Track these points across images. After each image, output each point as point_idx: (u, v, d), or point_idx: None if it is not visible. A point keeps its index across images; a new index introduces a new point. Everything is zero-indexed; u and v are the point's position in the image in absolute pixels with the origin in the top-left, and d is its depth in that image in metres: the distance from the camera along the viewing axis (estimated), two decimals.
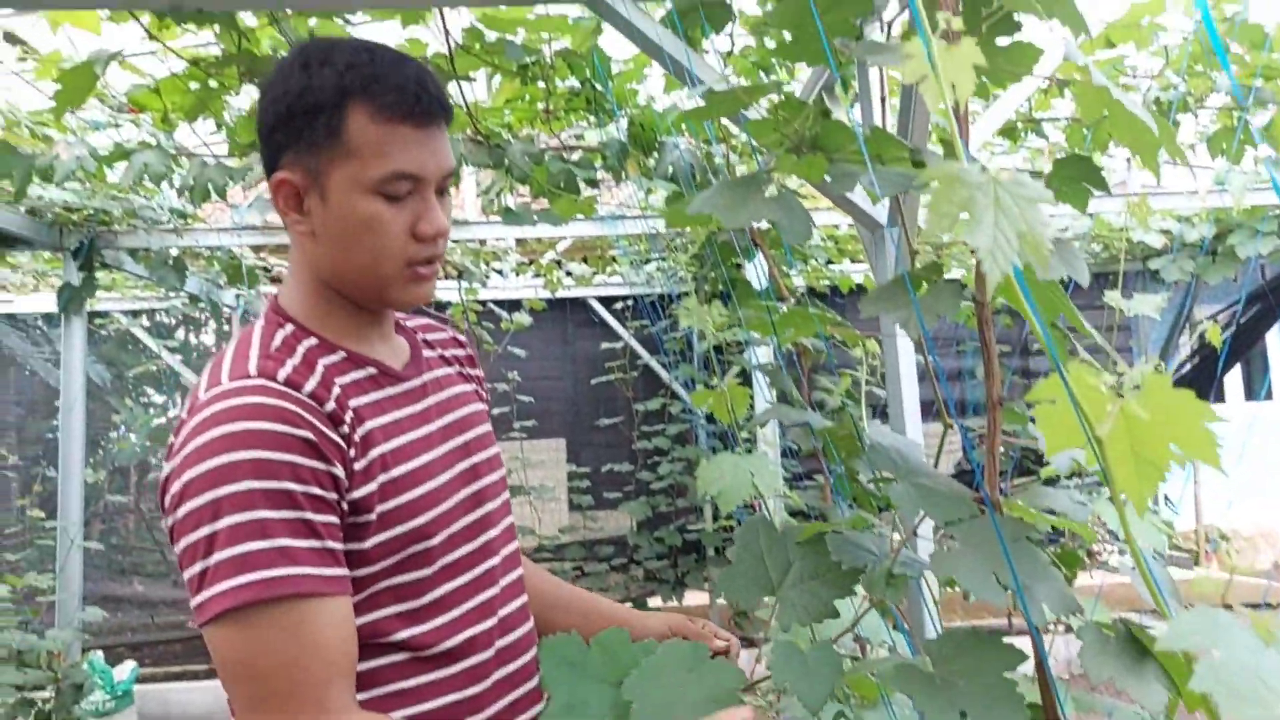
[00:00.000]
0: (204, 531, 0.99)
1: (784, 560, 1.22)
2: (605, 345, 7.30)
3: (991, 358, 1.10)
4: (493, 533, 1.29)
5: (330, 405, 1.08)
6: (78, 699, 4.02)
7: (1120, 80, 3.39)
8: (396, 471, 1.14)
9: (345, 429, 1.08)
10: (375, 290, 1.17)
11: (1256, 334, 5.73)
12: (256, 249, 5.12)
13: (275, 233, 4.55)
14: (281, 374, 1.07)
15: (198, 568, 1.00)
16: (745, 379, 6.31)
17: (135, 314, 6.84)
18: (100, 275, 4.55)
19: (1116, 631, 0.87)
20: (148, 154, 2.84)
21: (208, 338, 7.92)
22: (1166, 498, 6.75)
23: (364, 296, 1.18)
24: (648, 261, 6.12)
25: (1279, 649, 0.55)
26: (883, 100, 1.99)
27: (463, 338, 1.46)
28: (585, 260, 6.51)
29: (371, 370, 1.19)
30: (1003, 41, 1.31)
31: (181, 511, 1.01)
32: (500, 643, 1.24)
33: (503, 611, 1.26)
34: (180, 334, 7.72)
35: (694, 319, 2.27)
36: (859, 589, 1.20)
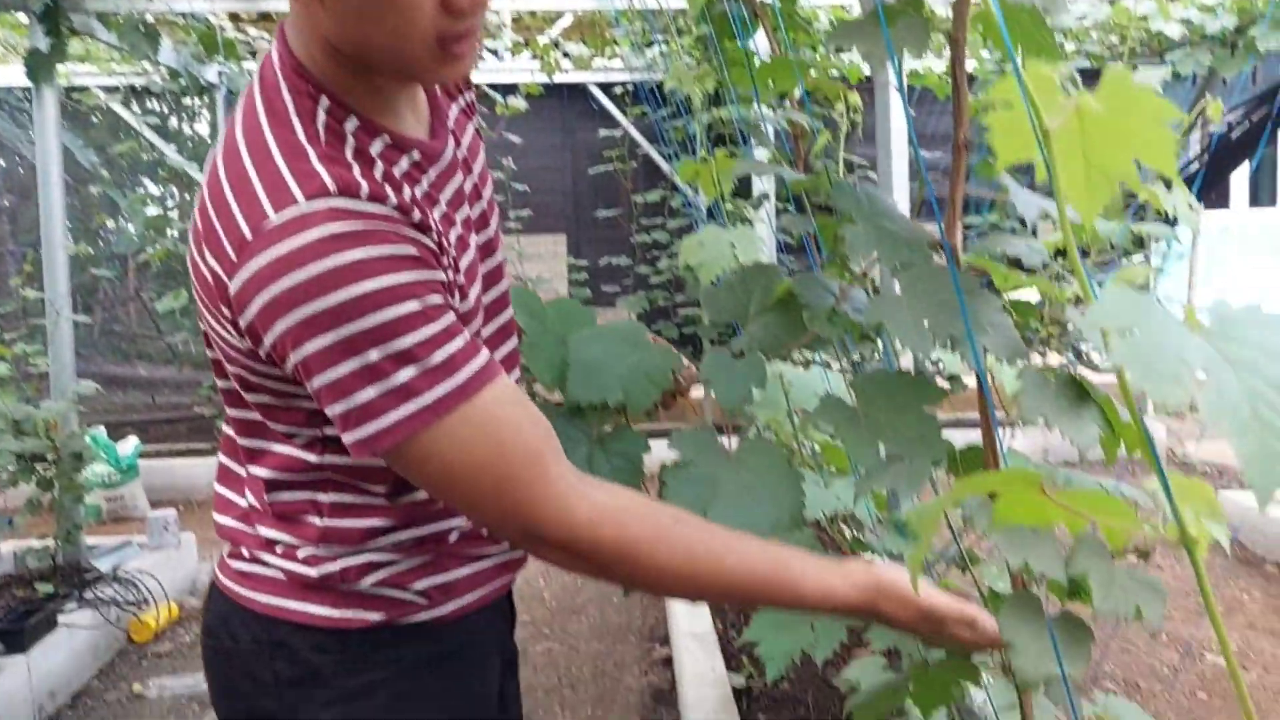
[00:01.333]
0: (347, 368, 0.90)
1: (764, 295, 1.21)
2: (604, 133, 7.10)
3: (962, 97, 1.03)
4: (507, 315, 1.23)
5: (416, 214, 0.96)
6: (78, 468, 4.09)
7: None
8: (462, 268, 1.05)
9: (434, 235, 0.98)
10: (400, 72, 0.99)
11: (1261, 136, 5.55)
12: (234, 18, 4.90)
13: None
14: (364, 189, 0.93)
15: (353, 403, 0.92)
16: None
17: (113, 90, 6.64)
18: (74, 45, 4.37)
19: (1057, 375, 0.85)
20: None
21: (202, 128, 7.72)
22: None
23: (388, 74, 1.00)
24: (650, 44, 5.90)
25: (1204, 336, 0.52)
26: None
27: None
28: (584, 41, 6.27)
29: (415, 155, 1.05)
30: None
31: (309, 350, 0.90)
32: None
33: None
34: (173, 123, 7.51)
35: (681, 82, 2.18)
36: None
